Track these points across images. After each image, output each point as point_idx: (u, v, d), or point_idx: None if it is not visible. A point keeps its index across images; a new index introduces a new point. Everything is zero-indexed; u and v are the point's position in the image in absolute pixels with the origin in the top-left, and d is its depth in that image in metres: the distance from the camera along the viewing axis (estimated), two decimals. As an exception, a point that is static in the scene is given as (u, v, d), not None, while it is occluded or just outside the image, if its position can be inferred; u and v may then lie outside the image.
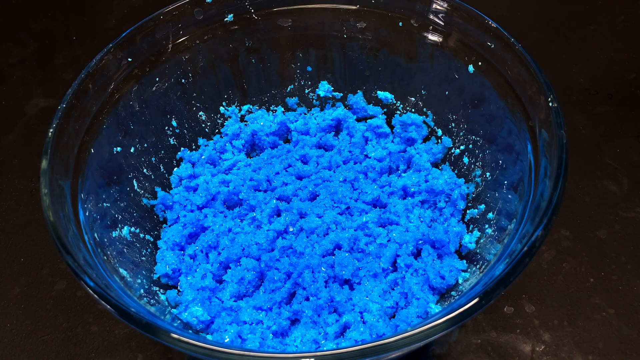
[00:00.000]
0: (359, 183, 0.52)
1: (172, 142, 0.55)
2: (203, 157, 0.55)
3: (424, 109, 0.55)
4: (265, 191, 0.53)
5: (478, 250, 0.47)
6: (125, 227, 0.47)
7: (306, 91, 0.59)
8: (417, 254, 0.49)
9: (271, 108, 0.59)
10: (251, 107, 0.58)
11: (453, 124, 0.53)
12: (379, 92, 0.57)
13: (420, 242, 0.48)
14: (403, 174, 0.54)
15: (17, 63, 0.73)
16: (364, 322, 0.44)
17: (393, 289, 0.46)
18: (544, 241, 0.35)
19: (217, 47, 0.54)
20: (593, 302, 0.49)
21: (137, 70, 0.49)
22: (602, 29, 0.72)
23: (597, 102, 0.64)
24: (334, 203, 0.51)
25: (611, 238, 0.53)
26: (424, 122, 0.55)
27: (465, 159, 0.52)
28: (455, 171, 0.53)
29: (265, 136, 0.57)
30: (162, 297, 0.46)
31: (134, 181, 0.50)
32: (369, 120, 0.57)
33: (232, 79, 0.56)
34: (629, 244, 0.52)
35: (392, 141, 0.57)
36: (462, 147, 0.53)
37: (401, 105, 0.57)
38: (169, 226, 0.51)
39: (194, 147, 0.56)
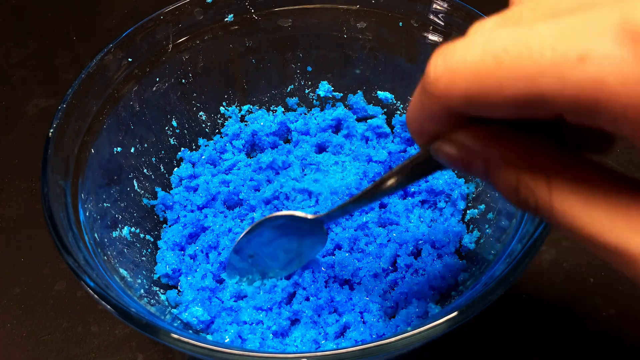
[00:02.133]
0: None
1: (172, 142, 0.55)
2: (203, 157, 0.55)
3: (424, 109, 0.55)
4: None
5: (478, 250, 0.47)
6: (126, 227, 0.47)
7: (306, 91, 0.59)
8: (417, 254, 0.49)
9: (271, 108, 0.59)
10: (251, 107, 0.58)
11: (453, 124, 0.53)
12: (379, 92, 0.57)
13: (420, 242, 0.48)
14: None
15: (17, 63, 0.73)
16: (364, 322, 0.44)
17: (393, 289, 0.46)
18: (544, 241, 0.35)
19: (217, 47, 0.54)
20: (593, 302, 0.49)
21: (137, 70, 0.49)
22: (602, 29, 0.72)
23: (597, 102, 0.64)
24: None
25: (611, 238, 0.53)
26: (424, 122, 0.55)
27: (465, 159, 0.52)
28: (455, 171, 0.53)
29: (265, 136, 0.57)
30: (162, 297, 0.46)
31: (134, 181, 0.50)
32: (369, 120, 0.57)
33: (232, 79, 0.56)
34: (629, 244, 0.52)
35: (392, 141, 0.56)
36: (462, 147, 0.52)
37: (401, 105, 0.57)
38: (169, 226, 0.51)
39: (194, 147, 0.56)
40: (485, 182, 0.49)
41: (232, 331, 0.43)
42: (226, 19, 0.53)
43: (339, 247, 0.48)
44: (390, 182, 0.33)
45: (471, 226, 0.49)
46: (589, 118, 0.19)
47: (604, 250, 0.21)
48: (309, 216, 0.42)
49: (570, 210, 0.21)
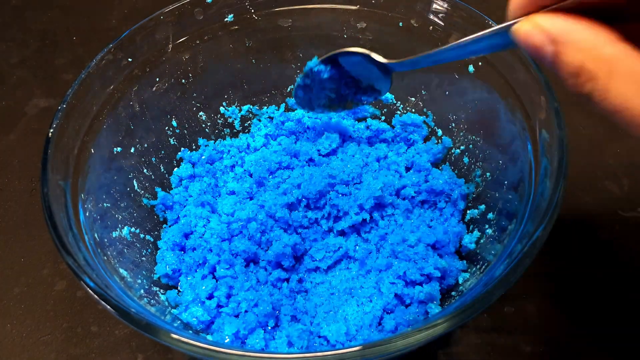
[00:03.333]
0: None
1: (172, 142, 0.54)
2: (203, 157, 0.55)
3: (424, 109, 0.55)
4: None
5: (478, 251, 0.47)
6: (126, 228, 0.47)
7: (306, 91, 0.58)
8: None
9: (271, 108, 0.59)
10: (251, 107, 0.58)
11: (453, 124, 0.53)
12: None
13: (420, 242, 0.48)
14: (403, 174, 0.54)
15: (17, 63, 0.73)
16: (364, 322, 0.44)
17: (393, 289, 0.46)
18: (544, 241, 0.34)
19: (217, 47, 0.54)
20: (593, 302, 0.49)
21: (137, 70, 0.49)
22: (602, 29, 0.72)
23: (597, 102, 0.63)
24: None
25: (611, 238, 0.53)
26: (424, 122, 0.55)
27: (465, 159, 0.52)
28: (455, 171, 0.53)
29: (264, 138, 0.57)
30: (162, 297, 0.46)
31: (134, 181, 0.50)
32: (369, 120, 0.57)
33: (232, 79, 0.56)
34: (629, 244, 0.52)
35: (392, 140, 0.56)
36: (462, 147, 0.53)
37: (401, 106, 0.57)
38: (169, 226, 0.51)
39: (194, 147, 0.56)
40: (485, 182, 0.49)
41: (232, 331, 0.43)
42: (226, 19, 0.53)
43: (340, 247, 0.48)
44: (459, 42, 0.35)
45: (471, 226, 0.49)
46: None
47: None
48: (382, 60, 0.44)
49: (624, 97, 0.25)
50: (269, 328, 0.44)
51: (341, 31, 0.54)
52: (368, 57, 0.45)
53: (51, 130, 0.42)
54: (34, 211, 0.58)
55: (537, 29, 0.28)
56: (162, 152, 0.54)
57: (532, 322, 0.48)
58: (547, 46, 0.27)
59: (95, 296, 0.34)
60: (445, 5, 0.49)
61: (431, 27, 0.50)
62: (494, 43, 0.33)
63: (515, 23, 0.29)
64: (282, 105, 0.59)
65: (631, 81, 0.25)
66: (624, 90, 0.25)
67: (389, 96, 0.56)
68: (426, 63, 0.40)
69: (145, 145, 0.52)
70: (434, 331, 0.32)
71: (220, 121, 0.58)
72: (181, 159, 0.55)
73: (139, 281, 0.44)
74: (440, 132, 0.55)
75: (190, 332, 0.44)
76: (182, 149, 0.55)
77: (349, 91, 0.48)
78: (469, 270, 0.46)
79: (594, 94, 0.26)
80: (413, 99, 0.55)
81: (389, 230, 0.48)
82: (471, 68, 0.48)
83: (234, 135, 0.59)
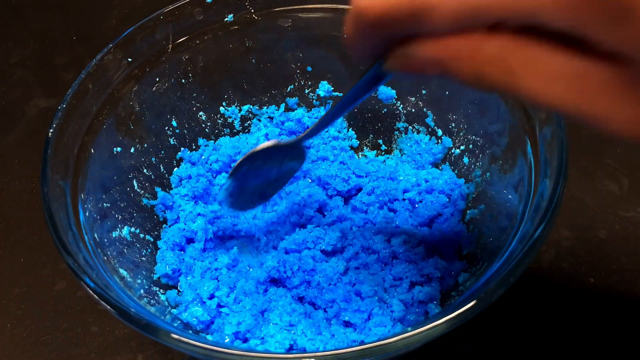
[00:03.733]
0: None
1: (172, 142, 0.55)
2: (203, 157, 0.55)
3: (424, 109, 0.55)
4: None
5: (478, 251, 0.47)
6: (126, 227, 0.47)
7: (306, 91, 0.58)
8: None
9: (271, 108, 0.59)
10: (251, 107, 0.58)
11: (453, 124, 0.53)
12: (379, 87, 0.56)
13: (420, 242, 0.48)
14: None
15: (17, 63, 0.73)
16: (365, 322, 0.44)
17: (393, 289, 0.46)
18: (544, 241, 0.35)
19: (217, 47, 0.54)
20: (593, 303, 0.49)
21: (137, 70, 0.49)
22: (602, 29, 0.72)
23: (597, 102, 0.63)
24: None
25: (611, 238, 0.53)
26: (424, 122, 0.55)
27: (465, 159, 0.52)
28: (455, 171, 0.53)
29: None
30: (162, 297, 0.46)
31: (134, 181, 0.50)
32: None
33: (232, 79, 0.56)
34: (629, 244, 0.52)
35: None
36: (462, 147, 0.53)
37: (401, 106, 0.56)
38: (169, 226, 0.51)
39: (194, 147, 0.56)
40: (485, 182, 0.49)
41: (232, 331, 0.43)
42: (226, 19, 0.53)
43: (341, 246, 0.48)
44: (349, 98, 0.35)
45: (471, 226, 0.49)
46: (527, 16, 0.20)
47: (573, 118, 0.23)
48: (288, 142, 0.43)
49: (534, 88, 0.22)
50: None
51: (341, 31, 0.54)
52: (274, 147, 0.44)
53: (51, 130, 0.42)
54: (34, 211, 0.58)
55: (410, 58, 0.26)
56: (162, 152, 0.54)
57: (532, 322, 0.48)
58: (432, 68, 0.25)
59: (95, 296, 0.34)
60: (445, 5, 0.49)
61: (431, 27, 0.50)
62: (374, 84, 0.32)
63: (382, 64, 0.27)
64: (282, 105, 0.59)
65: (533, 72, 0.23)
66: (531, 84, 0.23)
67: (390, 94, 0.56)
68: (323, 127, 0.40)
69: (145, 145, 0.52)
70: (434, 331, 0.32)
71: (220, 121, 0.58)
72: (181, 159, 0.55)
73: (139, 281, 0.44)
74: (440, 132, 0.55)
75: (190, 332, 0.44)
76: (182, 149, 0.55)
77: (273, 174, 0.47)
78: (469, 270, 0.46)
79: (507, 93, 0.23)
80: (413, 98, 0.55)
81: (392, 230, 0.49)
82: (471, 68, 0.48)
83: (234, 135, 0.58)
